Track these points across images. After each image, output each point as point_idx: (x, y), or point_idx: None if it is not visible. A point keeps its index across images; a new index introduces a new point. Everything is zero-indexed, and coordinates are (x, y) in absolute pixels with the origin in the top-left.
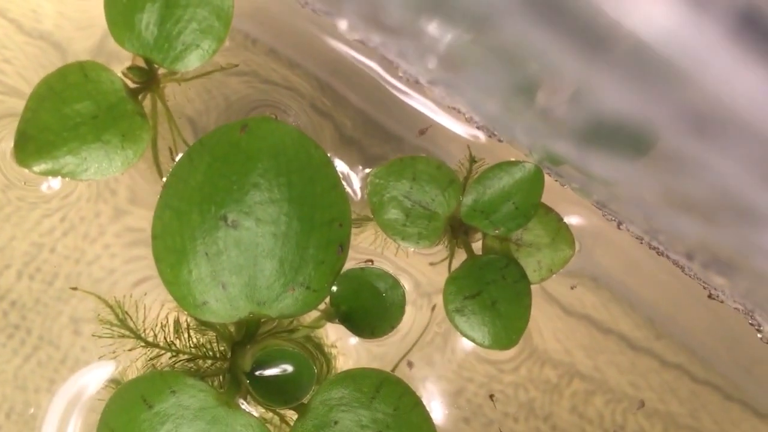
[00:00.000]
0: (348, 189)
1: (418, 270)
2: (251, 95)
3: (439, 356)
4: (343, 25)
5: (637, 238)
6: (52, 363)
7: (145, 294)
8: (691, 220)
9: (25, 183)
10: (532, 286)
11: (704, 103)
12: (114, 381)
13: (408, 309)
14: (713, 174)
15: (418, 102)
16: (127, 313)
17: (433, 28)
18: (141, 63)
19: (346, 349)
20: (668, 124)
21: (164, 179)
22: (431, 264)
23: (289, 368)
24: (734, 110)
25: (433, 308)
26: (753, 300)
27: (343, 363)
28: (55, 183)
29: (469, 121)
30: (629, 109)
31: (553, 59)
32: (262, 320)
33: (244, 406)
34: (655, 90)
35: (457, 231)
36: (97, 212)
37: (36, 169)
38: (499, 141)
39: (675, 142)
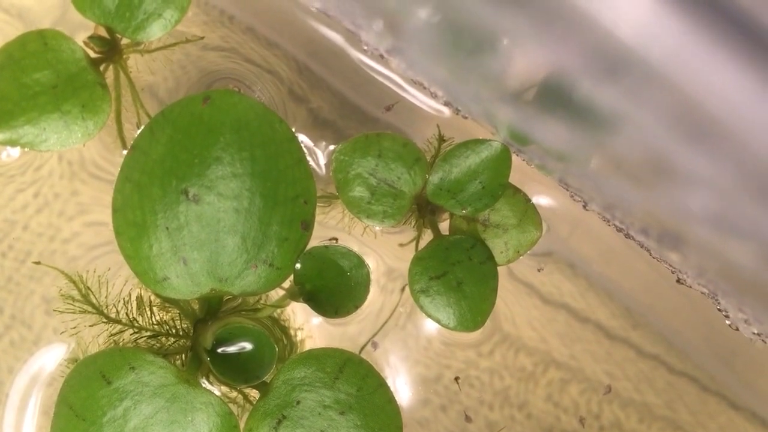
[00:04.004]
0: (313, 165)
1: (387, 250)
2: (220, 69)
3: (410, 340)
4: None
5: (604, 220)
6: (25, 344)
7: (109, 269)
8: (628, 184)
9: None
10: (500, 269)
11: (614, 49)
12: (74, 360)
13: (376, 290)
14: (634, 128)
15: (391, 81)
16: (89, 288)
17: None
18: (104, 33)
19: (314, 331)
20: (582, 71)
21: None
22: (401, 245)
23: (250, 346)
24: (646, 59)
25: (403, 289)
26: (708, 278)
27: (310, 346)
28: (14, 152)
29: (434, 96)
30: (553, 63)
31: (485, 18)
32: (226, 298)
33: (207, 385)
34: (566, 36)
35: (424, 210)
36: (73, 190)
37: None
38: (464, 117)
39: (592, 91)
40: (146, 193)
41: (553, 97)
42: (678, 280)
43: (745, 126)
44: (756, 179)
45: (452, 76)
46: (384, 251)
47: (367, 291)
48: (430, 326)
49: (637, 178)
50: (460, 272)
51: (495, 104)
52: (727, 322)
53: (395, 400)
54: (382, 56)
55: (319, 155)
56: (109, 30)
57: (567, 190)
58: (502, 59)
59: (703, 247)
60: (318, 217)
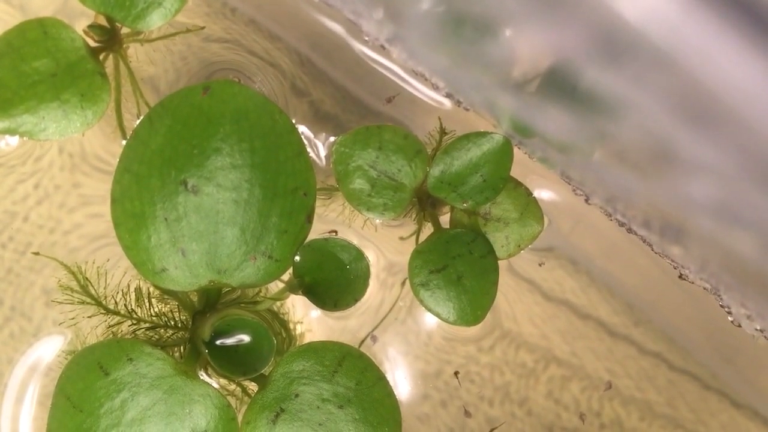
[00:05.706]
0: (314, 157)
1: (387, 243)
2: (221, 60)
3: (410, 335)
4: None
5: (606, 214)
6: (24, 335)
7: (108, 260)
8: (630, 174)
9: None
10: (501, 265)
11: (620, 33)
12: (72, 351)
13: (376, 284)
14: (638, 115)
15: (392, 73)
16: (88, 279)
17: None
18: (103, 21)
19: (313, 325)
20: (587, 57)
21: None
22: (401, 238)
23: (248, 338)
24: (652, 42)
25: (403, 283)
26: (711, 272)
27: (309, 339)
28: (12, 140)
29: (436, 88)
30: (557, 49)
31: (486, 3)
32: (224, 290)
33: (205, 377)
34: (571, 20)
35: (425, 203)
36: (74, 182)
37: None
38: (466, 110)
39: (597, 78)
40: (145, 184)
41: (557, 85)
42: (680, 276)
43: (752, 111)
44: (761, 166)
45: (454, 65)
46: (384, 244)
47: (366, 284)
48: (430, 321)
49: (640, 168)
50: (460, 266)
51: (497, 93)
52: (730, 318)
53: (394, 394)
54: (383, 47)
55: (319, 147)
56: (109, 19)
57: (569, 183)
58: (504, 46)
59: (706, 238)
60: (318, 210)
